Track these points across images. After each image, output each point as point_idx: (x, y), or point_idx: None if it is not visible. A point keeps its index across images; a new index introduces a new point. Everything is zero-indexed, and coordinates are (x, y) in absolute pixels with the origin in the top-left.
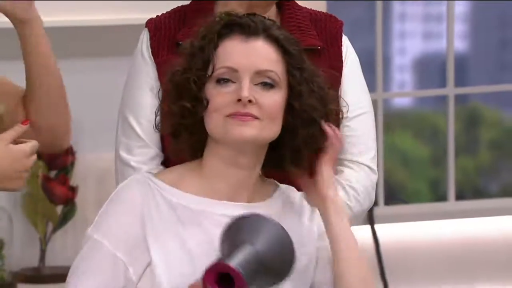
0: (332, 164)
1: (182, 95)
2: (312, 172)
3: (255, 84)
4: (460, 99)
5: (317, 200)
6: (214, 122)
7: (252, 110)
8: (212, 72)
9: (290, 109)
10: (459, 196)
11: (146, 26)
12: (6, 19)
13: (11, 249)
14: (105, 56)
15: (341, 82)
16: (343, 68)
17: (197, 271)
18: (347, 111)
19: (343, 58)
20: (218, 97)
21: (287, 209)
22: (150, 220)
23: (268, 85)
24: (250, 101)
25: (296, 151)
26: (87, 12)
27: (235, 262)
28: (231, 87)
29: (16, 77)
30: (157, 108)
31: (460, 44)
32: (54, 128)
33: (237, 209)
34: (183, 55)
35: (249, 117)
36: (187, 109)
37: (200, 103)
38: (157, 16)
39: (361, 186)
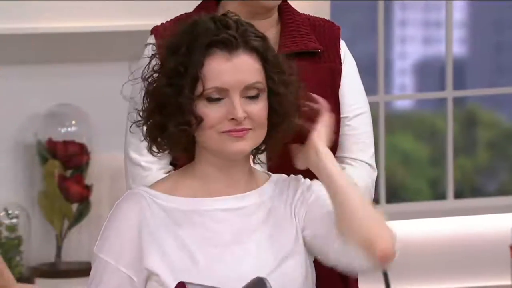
0: (328, 127)
1: (171, 112)
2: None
3: (244, 97)
4: (459, 102)
5: (309, 154)
6: (209, 138)
7: (246, 124)
8: (203, 91)
9: (270, 108)
10: (458, 195)
11: (152, 33)
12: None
13: (29, 245)
14: (120, 60)
15: (340, 83)
16: (342, 70)
17: (200, 267)
18: (347, 110)
19: (342, 61)
20: (211, 115)
21: (278, 192)
22: (147, 228)
23: (255, 96)
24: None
25: (275, 144)
26: (109, 18)
27: None
28: (222, 103)
29: (13, 81)
30: (136, 116)
31: (458, 49)
32: None
33: (230, 202)
34: (165, 69)
35: (244, 131)
36: (183, 128)
37: (193, 121)
38: (161, 23)
39: (362, 183)
